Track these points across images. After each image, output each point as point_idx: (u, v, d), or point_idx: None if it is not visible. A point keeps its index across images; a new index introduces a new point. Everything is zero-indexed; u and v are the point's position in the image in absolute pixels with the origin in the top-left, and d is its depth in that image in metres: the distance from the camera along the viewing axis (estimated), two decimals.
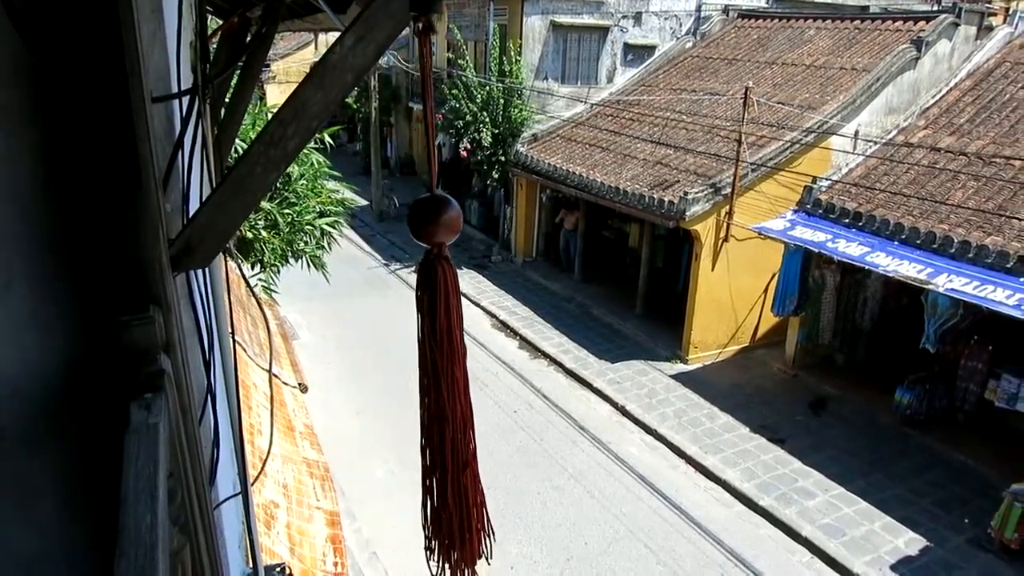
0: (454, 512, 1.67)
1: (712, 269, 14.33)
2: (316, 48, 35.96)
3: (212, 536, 1.59)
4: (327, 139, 11.43)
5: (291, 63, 35.40)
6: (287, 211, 10.03)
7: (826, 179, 13.18)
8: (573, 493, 10.85)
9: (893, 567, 9.29)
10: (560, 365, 14.77)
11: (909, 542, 9.71)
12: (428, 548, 1.70)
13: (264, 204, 9.37)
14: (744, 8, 20.44)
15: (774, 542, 9.96)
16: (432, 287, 1.57)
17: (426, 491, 1.68)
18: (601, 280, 18.59)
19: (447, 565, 1.70)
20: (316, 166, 10.65)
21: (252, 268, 10.27)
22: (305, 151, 9.66)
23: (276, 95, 33.91)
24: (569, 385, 14.17)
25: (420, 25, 1.42)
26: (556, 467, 11.45)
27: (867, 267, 11.28)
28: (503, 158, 19.77)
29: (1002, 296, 9.48)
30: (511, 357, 15.21)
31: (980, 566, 9.32)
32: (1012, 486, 9.42)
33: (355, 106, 30.09)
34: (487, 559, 1.73)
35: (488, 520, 1.73)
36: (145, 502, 0.96)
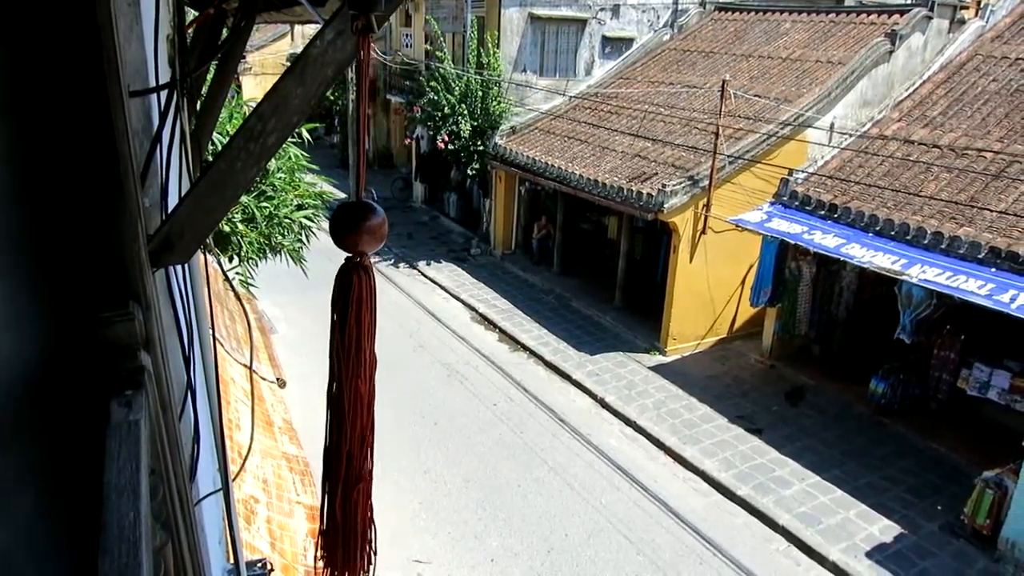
0: (340, 526, 1.65)
1: (690, 261, 14.42)
2: (292, 39, 35.65)
3: (193, 532, 1.58)
4: (306, 135, 11.33)
5: (267, 55, 35.07)
6: (264, 205, 9.94)
7: (802, 171, 13.29)
8: (553, 485, 10.90)
9: (868, 554, 9.44)
10: (539, 357, 14.81)
11: (884, 529, 9.86)
12: (318, 556, 1.71)
13: (243, 198, 9.30)
14: (721, 1, 20.53)
15: (751, 531, 10.07)
16: (346, 296, 1.53)
17: (322, 504, 1.67)
18: (580, 272, 18.65)
19: (332, 574, 1.70)
20: (294, 160, 10.56)
21: (230, 262, 10.18)
22: (284, 147, 9.58)
23: (252, 87, 33.57)
24: (548, 377, 14.21)
25: (359, 24, 1.36)
26: (536, 459, 11.49)
27: (842, 258, 11.41)
28: (482, 150, 19.73)
29: (974, 286, 9.63)
30: (490, 350, 15.22)
31: (953, 552, 9.49)
32: (984, 473, 9.59)
33: (332, 98, 29.88)
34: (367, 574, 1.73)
35: (373, 539, 1.72)
36: (127, 499, 0.96)
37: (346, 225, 1.49)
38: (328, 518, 1.65)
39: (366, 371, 1.58)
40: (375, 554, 1.72)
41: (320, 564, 1.70)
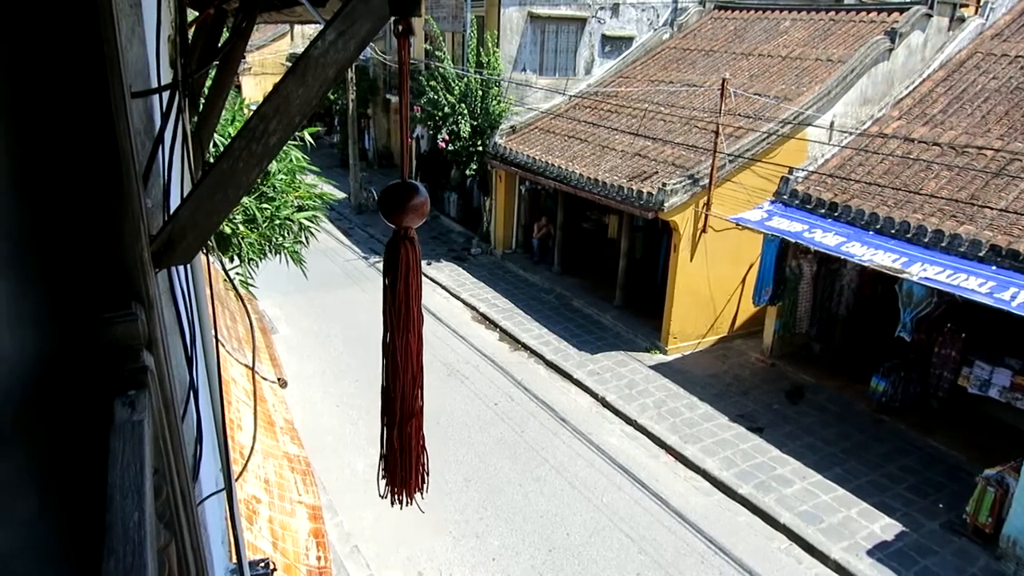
0: (398, 452, 1.96)
1: (690, 260, 14.42)
2: (292, 39, 35.64)
3: (197, 532, 1.59)
4: (308, 138, 11.33)
5: (267, 54, 35.07)
6: (265, 206, 9.94)
7: (802, 170, 13.29)
8: (554, 484, 10.90)
9: (870, 552, 9.44)
10: (540, 357, 14.81)
11: (885, 527, 9.86)
12: (381, 478, 2.01)
13: (243, 199, 9.29)
14: None
15: (753, 529, 10.08)
16: (395, 265, 1.78)
17: (382, 435, 1.96)
18: (580, 272, 18.65)
19: (393, 494, 2.02)
20: (294, 162, 10.56)
21: (231, 262, 10.18)
22: (284, 148, 9.58)
23: (252, 87, 33.59)
24: (549, 377, 14.21)
25: (400, 28, 1.51)
26: (537, 458, 11.49)
27: (843, 257, 11.41)
28: (481, 150, 19.73)
29: (974, 284, 9.63)
30: (491, 349, 15.23)
31: (954, 550, 9.49)
32: (985, 471, 9.60)
33: (332, 98, 29.89)
34: (422, 493, 2.06)
35: (426, 462, 2.03)
36: (132, 499, 0.96)
37: (395, 203, 1.73)
38: (387, 446, 1.96)
39: (415, 326, 1.85)
40: (427, 475, 2.05)
41: (382, 486, 2.01)
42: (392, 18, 1.48)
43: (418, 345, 1.88)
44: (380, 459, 2.00)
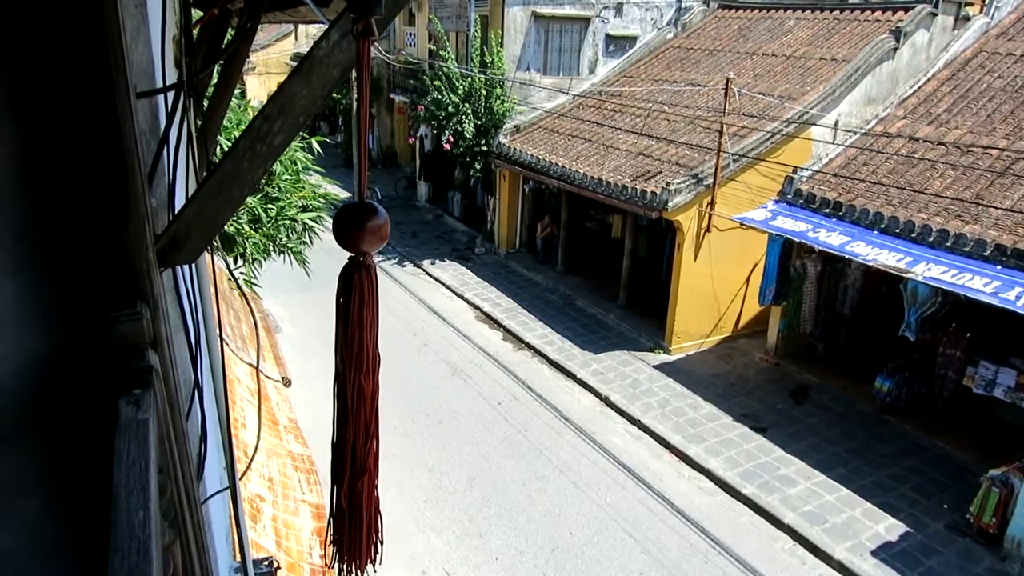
0: (347, 515, 1.72)
1: (695, 259, 14.41)
2: (296, 39, 35.68)
3: (201, 530, 1.59)
4: (316, 146, 11.35)
5: (271, 54, 35.10)
6: (269, 206, 9.95)
7: (806, 169, 13.27)
8: (558, 484, 10.90)
9: (874, 552, 9.43)
10: (544, 356, 14.81)
11: (889, 528, 9.85)
12: (329, 543, 1.79)
13: (247, 199, 9.29)
14: None
15: (757, 529, 10.07)
16: (348, 294, 1.58)
17: (332, 491, 1.74)
18: (584, 271, 18.64)
19: (342, 563, 1.77)
20: (299, 164, 10.57)
21: (235, 262, 10.20)
22: (289, 149, 9.58)
23: (256, 86, 33.62)
24: (553, 376, 14.21)
25: (359, 27, 1.37)
26: (540, 458, 11.50)
27: (847, 256, 11.39)
28: (485, 149, 19.74)
29: (980, 284, 9.61)
30: (495, 349, 15.23)
31: (959, 550, 9.47)
32: (990, 471, 9.57)
33: (336, 97, 29.92)
34: (373, 565, 1.80)
35: (380, 527, 1.79)
36: (137, 497, 0.96)
37: (349, 225, 1.53)
38: (336, 507, 1.72)
39: (369, 367, 1.63)
40: (382, 543, 1.79)
41: (331, 553, 1.77)
42: (351, 17, 1.37)
43: (373, 389, 1.65)
44: (328, 521, 1.77)
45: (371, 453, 1.68)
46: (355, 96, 24.68)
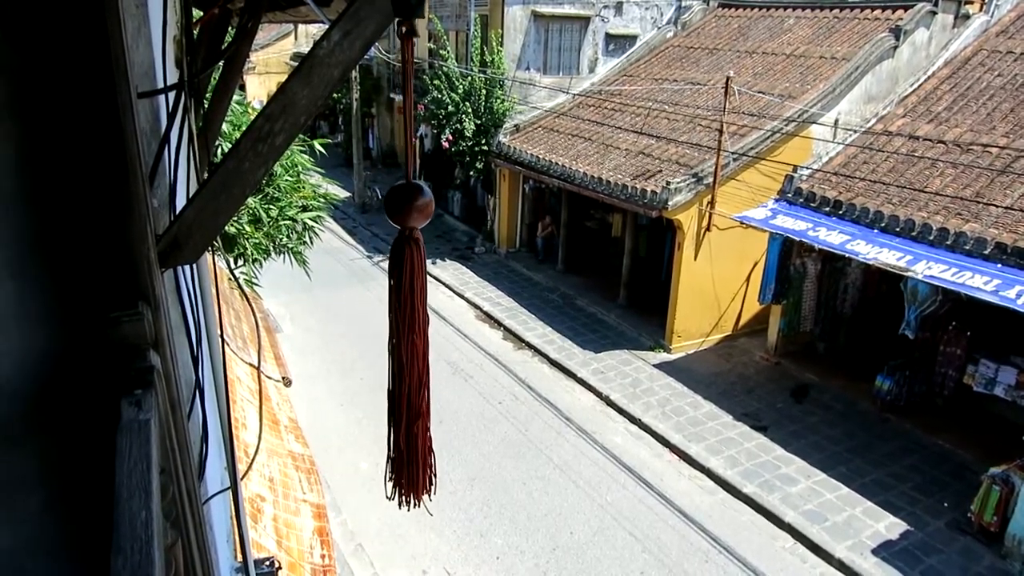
0: (405, 454, 1.94)
1: (695, 258, 14.41)
2: (296, 38, 35.65)
3: (203, 531, 1.59)
4: (318, 147, 11.35)
5: (271, 54, 35.07)
6: (270, 207, 9.95)
7: (807, 168, 13.27)
8: (558, 483, 10.90)
9: (874, 551, 9.43)
10: (544, 356, 14.81)
11: (890, 526, 9.85)
12: (388, 480, 1.99)
13: (248, 200, 9.29)
14: None
15: (757, 528, 10.07)
16: (400, 265, 1.78)
17: (388, 436, 1.96)
18: (584, 270, 18.64)
19: (401, 495, 2.00)
20: (299, 165, 10.57)
21: (235, 262, 10.20)
22: (289, 150, 9.58)
23: (256, 86, 33.61)
24: (553, 375, 14.21)
25: (404, 29, 1.51)
26: (541, 457, 11.50)
27: (847, 255, 11.39)
28: (485, 148, 19.73)
29: (980, 282, 9.60)
30: (495, 348, 15.23)
31: (959, 549, 9.47)
32: (990, 469, 9.57)
33: (336, 97, 29.90)
34: (430, 495, 2.02)
35: (433, 463, 2.01)
36: (139, 498, 0.96)
37: (399, 203, 1.74)
38: (395, 448, 1.94)
39: (420, 327, 1.84)
40: (435, 476, 2.02)
41: (389, 488, 1.99)
42: (396, 20, 1.48)
43: (424, 345, 1.87)
44: (387, 460, 1.99)
45: (424, 400, 1.91)
46: (356, 96, 24.72)
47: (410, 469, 1.96)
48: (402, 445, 1.93)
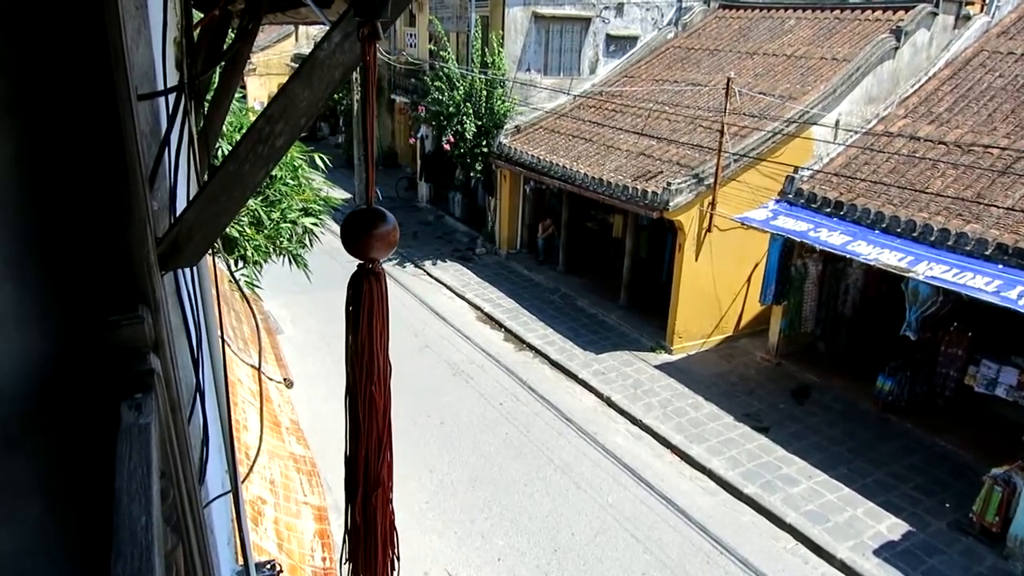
0: (362, 531, 1.67)
1: (696, 259, 14.40)
2: (296, 40, 35.67)
3: (203, 535, 1.59)
4: (319, 161, 11.36)
5: (271, 55, 35.09)
6: (270, 209, 9.96)
7: (807, 169, 13.26)
8: (559, 484, 10.89)
9: (876, 552, 9.41)
10: (545, 357, 14.80)
11: (891, 527, 9.83)
12: (344, 561, 1.73)
13: (249, 202, 9.29)
14: None
15: (759, 529, 10.06)
16: (358, 303, 1.55)
17: (345, 507, 1.69)
18: (585, 271, 18.64)
19: None
20: (299, 168, 10.58)
21: (235, 264, 10.20)
22: (289, 152, 9.59)
23: (256, 87, 33.63)
24: (555, 377, 14.20)
25: (365, 31, 1.38)
26: (542, 458, 11.49)
27: (848, 256, 11.38)
28: (486, 150, 19.73)
29: (981, 283, 9.59)
30: (496, 349, 15.23)
31: (961, 549, 9.46)
32: (992, 470, 9.56)
33: (337, 98, 29.91)
34: None
35: (396, 542, 1.74)
36: (139, 503, 0.96)
37: (356, 232, 1.50)
38: (351, 522, 1.67)
39: (380, 377, 1.58)
40: (398, 559, 1.75)
41: (347, 571, 1.72)
42: (356, 21, 1.37)
43: (384, 399, 1.61)
44: (343, 537, 1.72)
45: (384, 465, 1.64)
46: (356, 97, 24.71)
47: (367, 549, 1.69)
48: (358, 520, 1.66)
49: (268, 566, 3.35)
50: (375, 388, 1.58)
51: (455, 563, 9.36)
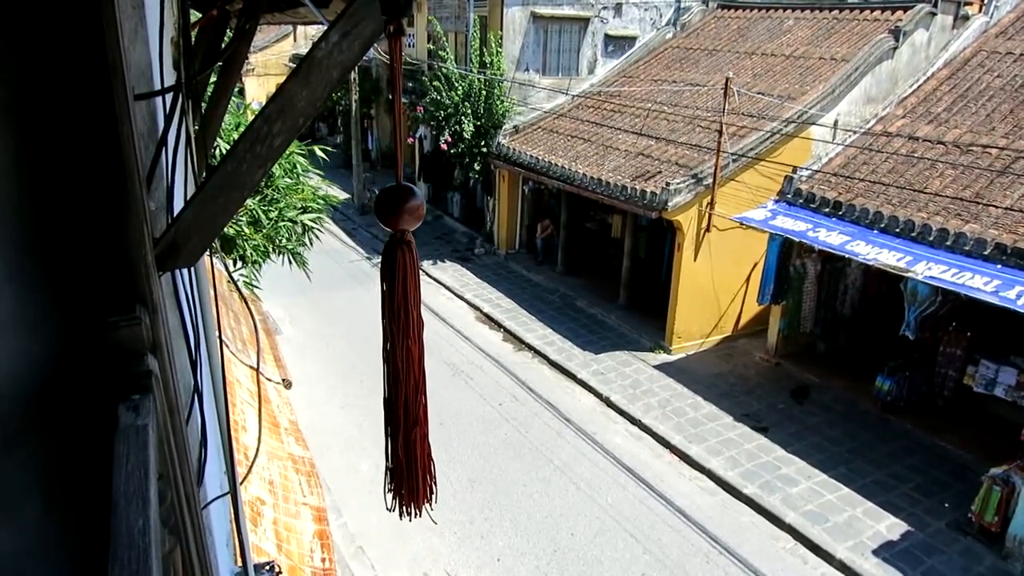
0: (404, 463, 1.91)
1: (694, 259, 14.40)
2: (295, 40, 35.66)
3: (202, 536, 1.58)
4: (319, 152, 11.35)
5: (270, 55, 35.07)
6: (269, 209, 9.95)
7: (806, 169, 13.26)
8: (559, 484, 10.89)
9: (875, 551, 9.41)
10: (544, 357, 14.80)
11: (891, 527, 9.83)
12: (388, 491, 1.96)
13: (247, 202, 9.27)
14: None
15: (758, 529, 10.05)
16: (393, 269, 1.76)
17: (386, 446, 1.92)
18: (584, 272, 18.64)
19: (401, 505, 1.96)
20: (298, 166, 10.57)
21: (234, 264, 10.19)
22: (288, 151, 9.58)
23: (255, 87, 33.61)
24: (554, 377, 14.20)
25: (392, 28, 1.49)
26: (542, 459, 11.48)
27: (847, 256, 11.38)
28: (485, 150, 19.73)
29: (980, 283, 9.60)
30: (496, 350, 15.22)
31: (960, 549, 9.46)
32: (991, 470, 9.56)
33: (335, 98, 29.88)
34: (431, 504, 1.99)
35: (433, 471, 1.98)
36: (136, 505, 0.95)
37: (390, 206, 1.71)
38: (392, 457, 1.91)
39: (415, 332, 1.82)
40: (436, 484, 1.99)
41: (389, 499, 1.95)
42: (383, 19, 1.46)
43: (419, 351, 1.84)
44: (386, 471, 1.95)
45: (421, 407, 1.88)
46: (355, 97, 24.71)
47: (410, 478, 1.92)
48: (400, 454, 1.90)
49: (267, 567, 3.34)
50: (411, 341, 1.81)
51: (454, 563, 9.35)
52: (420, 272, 1.81)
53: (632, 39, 21.55)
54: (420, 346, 1.84)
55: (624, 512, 10.31)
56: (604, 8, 21.46)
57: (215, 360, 2.44)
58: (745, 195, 13.90)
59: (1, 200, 1.03)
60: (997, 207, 10.66)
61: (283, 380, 8.51)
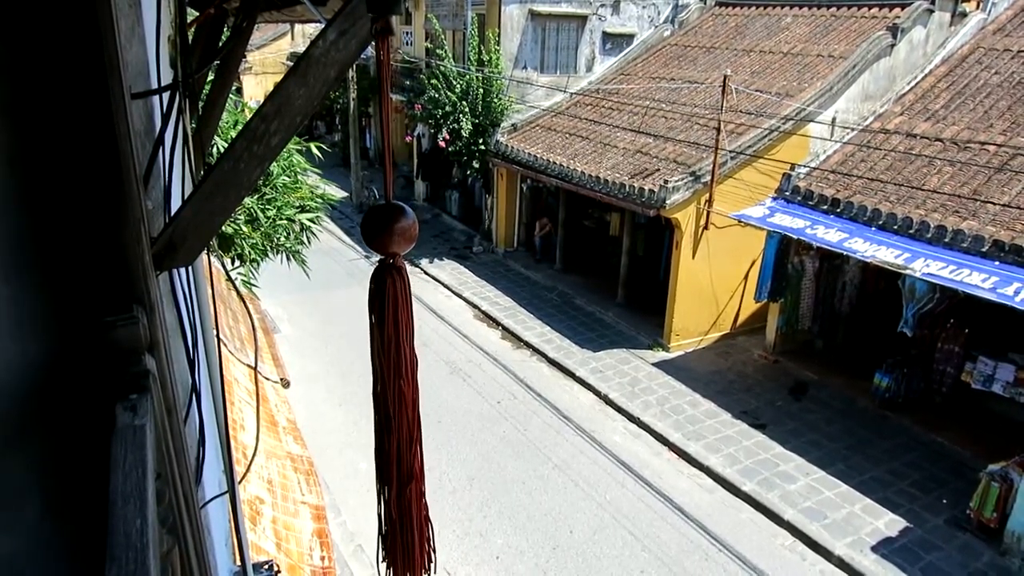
0: (397, 525, 1.67)
1: (693, 257, 14.40)
2: (292, 38, 35.61)
3: (200, 536, 1.58)
4: (315, 151, 11.34)
5: (267, 54, 35.02)
6: (267, 207, 9.94)
7: (804, 166, 13.27)
8: (557, 482, 10.89)
9: (874, 548, 9.43)
10: (543, 355, 14.80)
11: (889, 523, 9.85)
12: (381, 560, 1.73)
13: (245, 200, 9.26)
14: None
15: (757, 526, 10.06)
16: (383, 299, 1.56)
17: (379, 504, 1.69)
18: (582, 269, 18.64)
19: (395, 574, 1.71)
20: (296, 164, 10.55)
21: (232, 263, 10.18)
22: (286, 149, 9.57)
23: (252, 86, 33.57)
24: (552, 375, 14.20)
25: (378, 26, 1.38)
26: (540, 456, 11.49)
27: (845, 253, 11.38)
28: (483, 148, 19.72)
29: (978, 280, 9.60)
30: (494, 348, 15.22)
31: (959, 545, 9.47)
32: (989, 466, 9.58)
33: (333, 97, 29.83)
34: (429, 571, 1.74)
35: (431, 535, 1.73)
36: (134, 505, 0.95)
37: (377, 227, 1.51)
38: (386, 519, 1.67)
39: (408, 371, 1.59)
40: (434, 551, 1.74)
41: (383, 566, 1.70)
42: (369, 17, 1.38)
43: (413, 393, 1.62)
44: (378, 535, 1.71)
45: (416, 459, 1.63)
46: (352, 96, 24.68)
47: (404, 544, 1.68)
48: (394, 515, 1.66)
49: (266, 566, 3.34)
50: (403, 382, 1.59)
51: (453, 562, 9.36)
52: (411, 302, 1.57)
53: (630, 37, 21.53)
54: (414, 387, 1.62)
55: (623, 509, 10.32)
56: (602, 6, 21.43)
57: (213, 359, 2.44)
58: (743, 192, 13.90)
59: None
60: (995, 204, 10.66)
61: (281, 379, 8.51)
